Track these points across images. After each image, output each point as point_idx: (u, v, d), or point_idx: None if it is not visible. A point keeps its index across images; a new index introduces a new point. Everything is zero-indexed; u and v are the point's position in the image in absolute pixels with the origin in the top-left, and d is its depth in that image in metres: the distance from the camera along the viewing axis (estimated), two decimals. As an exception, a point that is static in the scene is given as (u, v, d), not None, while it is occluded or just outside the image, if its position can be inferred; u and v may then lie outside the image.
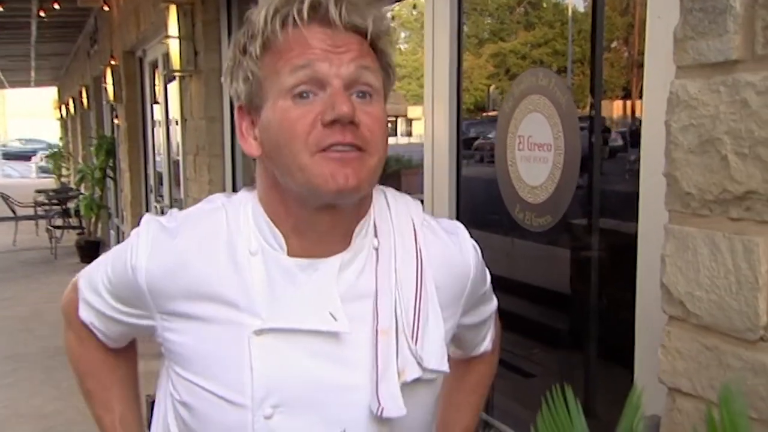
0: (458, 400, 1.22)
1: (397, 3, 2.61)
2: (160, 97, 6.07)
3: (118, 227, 9.21)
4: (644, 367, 1.23)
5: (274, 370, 0.90)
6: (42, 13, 8.85)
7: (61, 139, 20.48)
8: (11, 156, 28.11)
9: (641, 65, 1.17)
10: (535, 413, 0.74)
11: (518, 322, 3.06)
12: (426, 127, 1.95)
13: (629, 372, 1.28)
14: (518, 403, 2.47)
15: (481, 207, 2.32)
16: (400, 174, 6.11)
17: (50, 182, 18.24)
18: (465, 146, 2.06)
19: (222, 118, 4.16)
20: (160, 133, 6.38)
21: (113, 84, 7.31)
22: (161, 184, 6.89)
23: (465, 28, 1.91)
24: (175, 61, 4.22)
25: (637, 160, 1.27)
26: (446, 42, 1.85)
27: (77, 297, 1.08)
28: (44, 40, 11.20)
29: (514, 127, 1.64)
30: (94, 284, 1.05)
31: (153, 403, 1.07)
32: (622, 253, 1.36)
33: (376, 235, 0.98)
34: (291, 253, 0.94)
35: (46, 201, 12.55)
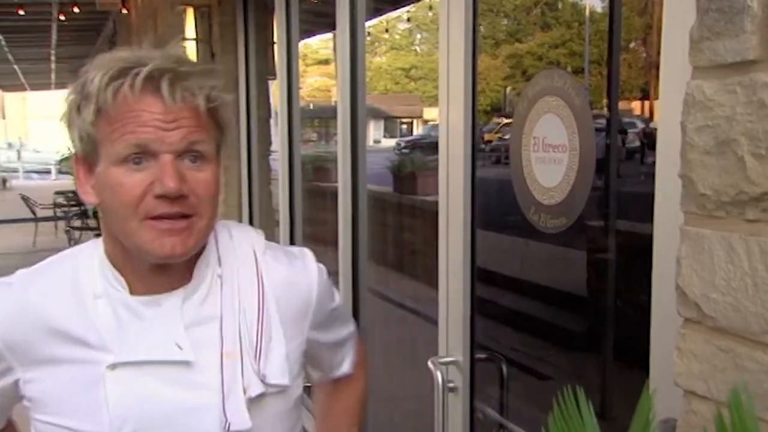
0: (332, 425, 1.35)
1: (413, 4, 2.62)
2: (177, 99, 6.11)
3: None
4: (660, 370, 1.22)
5: (129, 400, 0.98)
6: (62, 17, 8.95)
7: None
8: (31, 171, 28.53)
9: (659, 66, 1.16)
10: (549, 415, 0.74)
11: (532, 323, 3.05)
12: (441, 128, 1.95)
13: (646, 374, 1.27)
14: (533, 405, 2.46)
15: (496, 209, 2.31)
16: (416, 176, 6.11)
17: (69, 183, 18.42)
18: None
19: (238, 120, 4.17)
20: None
21: (131, 86, 7.37)
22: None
23: (480, 29, 1.91)
24: (192, 64, 4.25)
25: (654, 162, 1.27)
26: (461, 43, 1.85)
27: None
28: (64, 43, 11.33)
29: (528, 129, 1.63)
30: None
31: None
32: (638, 254, 1.35)
33: (220, 265, 1.07)
34: (134, 293, 1.02)
35: (65, 202, 12.66)
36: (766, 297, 0.83)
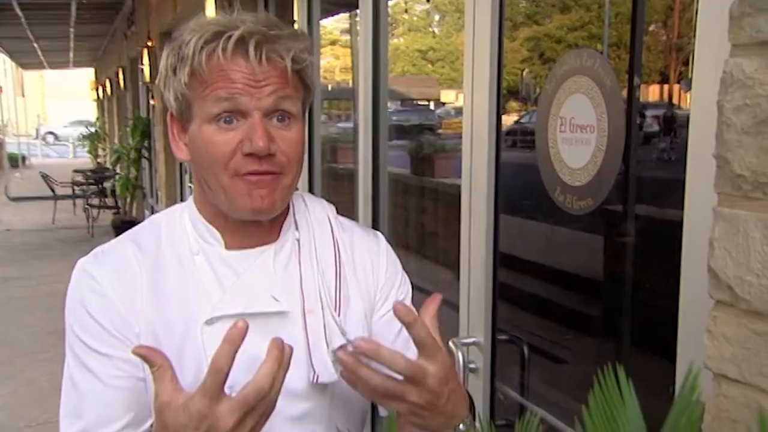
0: None
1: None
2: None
3: (152, 207, 9.35)
4: (688, 353, 1.21)
5: None
6: (81, -5, 8.94)
7: (97, 119, 20.79)
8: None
9: (680, 49, 1.14)
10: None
11: (546, 304, 3.04)
12: (465, 110, 1.93)
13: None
14: (560, 389, 2.47)
15: (521, 191, 2.30)
16: (433, 158, 6.09)
17: (87, 162, 18.55)
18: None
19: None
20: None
21: (150, 65, 7.38)
22: (196, 165, 6.94)
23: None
24: (212, 42, 4.25)
25: (673, 146, 1.25)
26: (487, 24, 1.83)
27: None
28: (83, 22, 11.36)
29: (556, 109, 1.61)
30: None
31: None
32: (666, 236, 1.34)
33: (297, 229, 1.13)
34: (228, 247, 1.07)
35: (84, 181, 12.76)
36: (803, 280, 0.82)
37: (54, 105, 40.84)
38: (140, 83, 9.70)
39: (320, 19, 3.57)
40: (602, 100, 1.47)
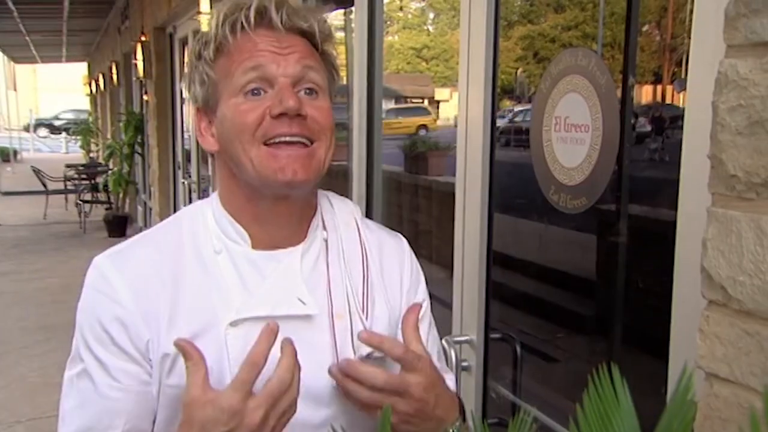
0: None
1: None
2: (189, 74, 6.09)
3: (145, 203, 9.31)
4: (680, 353, 1.22)
5: None
6: (74, -11, 8.89)
7: (90, 114, 20.68)
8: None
9: (674, 49, 1.15)
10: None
11: (542, 305, 3.05)
12: (460, 108, 1.93)
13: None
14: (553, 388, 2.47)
15: (515, 189, 2.30)
16: (427, 156, 6.08)
17: (79, 157, 18.46)
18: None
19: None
20: (188, 110, 6.42)
21: (143, 60, 7.35)
22: (189, 161, 6.94)
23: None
24: (206, 38, 4.24)
25: (664, 147, 1.25)
26: (483, 23, 1.83)
27: None
28: (76, 16, 11.29)
29: (551, 108, 1.61)
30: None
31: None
32: (661, 236, 1.34)
33: (324, 229, 1.10)
34: (255, 246, 1.04)
35: (76, 176, 12.69)
36: (796, 280, 0.82)
37: (46, 99, 40.63)
38: (134, 78, 9.65)
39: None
40: (597, 99, 1.48)
